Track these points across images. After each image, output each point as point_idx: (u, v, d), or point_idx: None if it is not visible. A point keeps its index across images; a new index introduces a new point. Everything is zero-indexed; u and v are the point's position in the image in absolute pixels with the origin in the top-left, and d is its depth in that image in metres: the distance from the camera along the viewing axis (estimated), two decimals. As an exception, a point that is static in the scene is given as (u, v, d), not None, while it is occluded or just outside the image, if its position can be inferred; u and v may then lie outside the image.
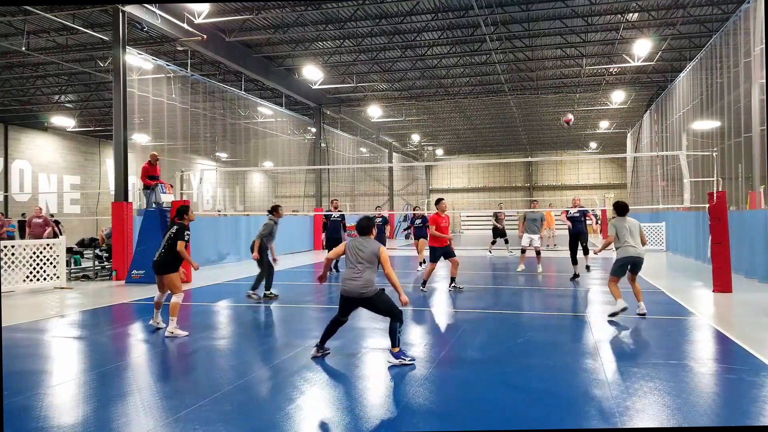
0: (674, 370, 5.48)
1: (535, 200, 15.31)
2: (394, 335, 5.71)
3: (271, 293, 10.12)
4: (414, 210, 15.53)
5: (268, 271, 10.09)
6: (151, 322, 7.77)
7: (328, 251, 13.43)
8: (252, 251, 10.02)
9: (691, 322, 8.03)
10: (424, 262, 13.83)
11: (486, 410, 4.44)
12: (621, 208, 8.17)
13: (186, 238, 7.29)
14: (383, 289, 5.82)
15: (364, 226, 5.84)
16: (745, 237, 12.29)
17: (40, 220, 16.23)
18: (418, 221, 15.18)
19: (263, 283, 10.07)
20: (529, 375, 5.44)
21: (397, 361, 5.65)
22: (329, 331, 5.91)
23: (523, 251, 14.02)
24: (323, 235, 15.74)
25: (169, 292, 7.46)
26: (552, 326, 7.89)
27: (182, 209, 7.55)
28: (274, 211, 10.33)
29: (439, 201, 11.16)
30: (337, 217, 14.37)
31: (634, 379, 5.26)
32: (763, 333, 7.26)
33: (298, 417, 4.42)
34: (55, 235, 18.02)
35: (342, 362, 5.95)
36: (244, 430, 4.17)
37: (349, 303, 5.78)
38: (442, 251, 10.58)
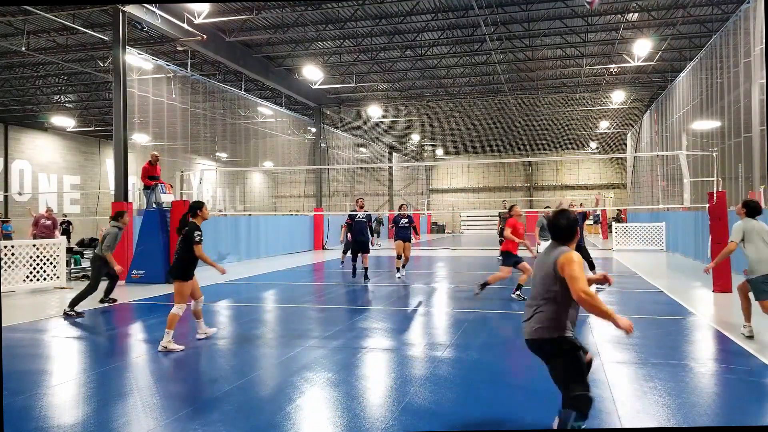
0: (674, 370, 5.48)
1: (549, 207, 14.64)
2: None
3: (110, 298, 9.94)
4: (400, 209, 13.69)
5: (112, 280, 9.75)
6: (198, 336, 7.08)
7: (353, 256, 13.32)
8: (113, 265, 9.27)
9: (691, 322, 8.03)
10: (403, 267, 12.90)
11: (486, 410, 4.44)
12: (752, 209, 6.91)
13: (197, 239, 6.60)
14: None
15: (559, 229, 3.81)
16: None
17: (49, 222, 16.14)
18: (403, 221, 13.27)
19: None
20: (529, 375, 5.43)
21: None
22: None
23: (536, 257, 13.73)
24: (347, 237, 13.70)
25: (201, 298, 7.05)
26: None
27: (196, 205, 6.87)
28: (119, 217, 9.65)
29: (512, 207, 11.06)
30: (363, 217, 13.20)
31: (634, 379, 5.26)
32: (763, 333, 7.26)
33: (298, 417, 4.42)
34: (69, 235, 18.01)
35: (342, 362, 5.95)
36: (244, 430, 4.16)
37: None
38: (516, 258, 10.20)
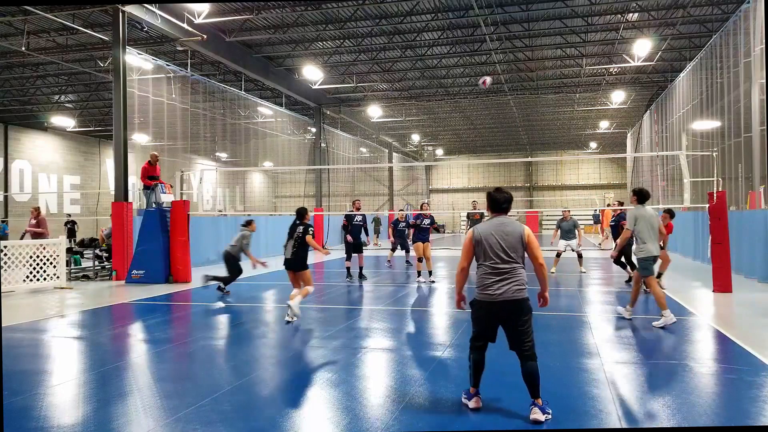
0: (674, 370, 5.48)
1: (567, 209, 14.69)
2: (537, 378, 4.30)
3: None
4: (421, 208, 13.09)
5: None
6: (286, 318, 7.68)
7: (348, 258, 13.03)
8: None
9: (691, 322, 8.03)
10: (430, 273, 12.53)
11: (486, 410, 4.44)
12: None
13: (311, 233, 8.10)
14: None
15: (499, 201, 4.48)
16: (745, 237, 12.29)
17: (34, 221, 16.04)
18: (426, 221, 12.63)
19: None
20: (529, 375, 5.43)
21: (543, 417, 4.20)
22: (479, 367, 4.50)
23: (558, 255, 14.14)
24: (345, 239, 13.19)
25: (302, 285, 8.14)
26: (552, 326, 7.89)
27: (303, 211, 8.31)
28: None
29: (669, 210, 11.12)
30: (360, 220, 13.00)
31: (634, 379, 5.26)
32: (763, 333, 7.26)
33: (298, 417, 4.42)
34: (74, 234, 17.84)
35: (342, 362, 5.95)
36: (244, 430, 4.17)
37: (495, 314, 4.36)
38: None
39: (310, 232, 8.09)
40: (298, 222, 8.18)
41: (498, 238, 4.29)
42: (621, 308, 8.21)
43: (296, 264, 8.02)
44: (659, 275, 10.34)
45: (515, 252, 4.29)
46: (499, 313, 4.27)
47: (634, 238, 7.77)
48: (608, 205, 33.35)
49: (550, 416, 4.17)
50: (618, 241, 7.93)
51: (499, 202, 4.44)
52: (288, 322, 7.59)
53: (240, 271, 11.20)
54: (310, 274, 8.13)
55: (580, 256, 14.12)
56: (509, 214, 4.50)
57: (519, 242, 4.29)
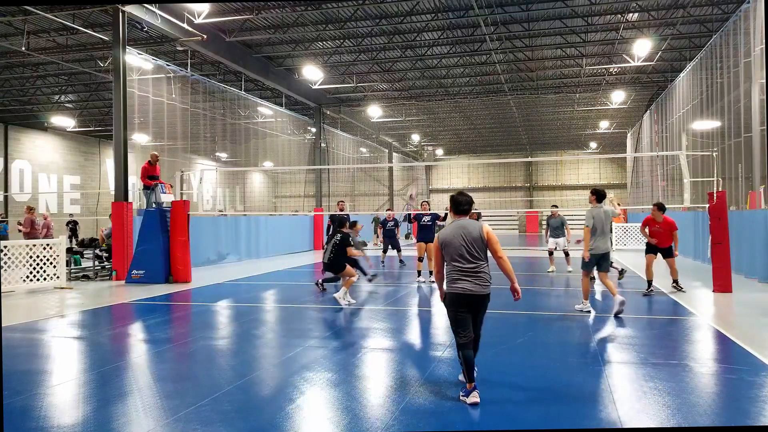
0: (674, 370, 5.48)
1: (555, 206, 14.78)
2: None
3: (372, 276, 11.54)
4: (420, 206, 12.76)
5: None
6: (342, 302, 9.19)
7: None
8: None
9: (691, 322, 8.03)
10: (421, 272, 12.42)
11: (486, 410, 4.44)
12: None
13: (352, 243, 9.32)
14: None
15: (461, 204, 4.87)
16: (745, 237, 12.29)
17: (22, 220, 15.96)
18: (426, 219, 12.33)
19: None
20: (529, 375, 5.44)
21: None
22: (471, 358, 4.69)
23: (550, 253, 14.40)
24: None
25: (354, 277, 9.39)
26: (552, 326, 7.89)
27: (342, 220, 9.53)
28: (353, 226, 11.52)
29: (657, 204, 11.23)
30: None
31: (634, 379, 5.26)
32: (763, 333, 7.26)
33: (298, 417, 4.42)
34: (76, 234, 17.76)
35: (342, 362, 5.95)
36: (244, 430, 4.17)
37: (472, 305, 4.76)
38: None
39: (350, 244, 9.30)
40: (336, 230, 9.36)
41: (461, 241, 4.64)
42: (578, 305, 8.72)
43: (333, 268, 9.30)
44: (676, 281, 10.51)
45: (478, 251, 4.65)
46: (467, 305, 4.69)
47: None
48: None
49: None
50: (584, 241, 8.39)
51: (460, 204, 4.79)
52: (348, 303, 9.18)
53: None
54: (350, 269, 9.34)
55: (567, 254, 14.14)
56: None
57: (480, 240, 4.65)
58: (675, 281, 10.50)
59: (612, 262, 9.60)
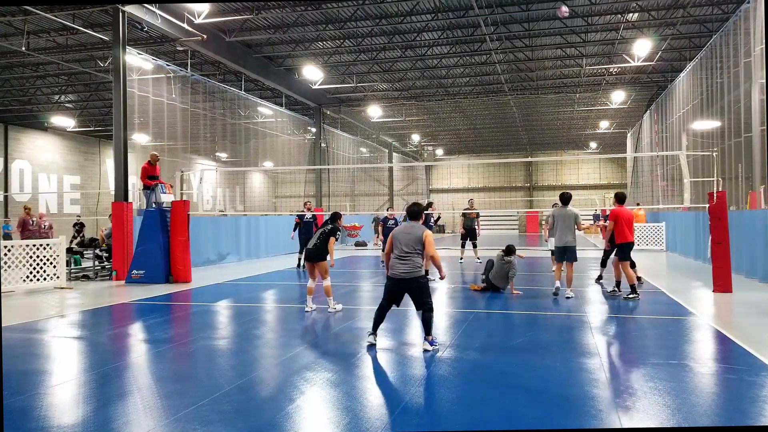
0: (674, 370, 5.48)
1: (556, 204, 14.67)
2: (429, 324, 6.33)
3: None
4: (428, 207, 13.27)
5: None
6: (306, 309, 8.81)
7: (301, 251, 13.86)
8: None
9: (691, 322, 8.03)
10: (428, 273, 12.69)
11: (486, 410, 4.44)
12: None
13: (337, 237, 8.94)
14: (427, 277, 6.71)
15: (415, 212, 6.62)
16: (745, 237, 12.28)
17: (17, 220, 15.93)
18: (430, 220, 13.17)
19: None
20: (529, 375, 5.43)
21: (431, 348, 6.25)
22: (379, 319, 6.55)
23: (552, 252, 14.20)
24: (296, 237, 15.36)
25: (319, 278, 8.79)
26: (552, 326, 7.89)
27: (336, 215, 9.13)
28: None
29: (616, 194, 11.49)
30: (310, 218, 15.03)
31: (634, 379, 5.26)
32: (763, 333, 7.26)
33: (298, 417, 4.42)
34: (82, 236, 17.76)
35: (342, 362, 5.95)
36: (244, 430, 4.16)
37: (397, 286, 6.38)
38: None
39: (335, 236, 8.94)
40: (329, 222, 9.07)
41: (404, 237, 6.31)
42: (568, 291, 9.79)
43: (315, 255, 8.75)
44: (618, 283, 10.35)
45: (414, 247, 6.24)
46: (400, 285, 6.33)
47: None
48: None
49: (437, 348, 6.27)
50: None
51: (413, 213, 6.62)
52: (335, 311, 8.79)
53: None
54: (326, 266, 8.76)
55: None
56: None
57: (418, 241, 6.25)
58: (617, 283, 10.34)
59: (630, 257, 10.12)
